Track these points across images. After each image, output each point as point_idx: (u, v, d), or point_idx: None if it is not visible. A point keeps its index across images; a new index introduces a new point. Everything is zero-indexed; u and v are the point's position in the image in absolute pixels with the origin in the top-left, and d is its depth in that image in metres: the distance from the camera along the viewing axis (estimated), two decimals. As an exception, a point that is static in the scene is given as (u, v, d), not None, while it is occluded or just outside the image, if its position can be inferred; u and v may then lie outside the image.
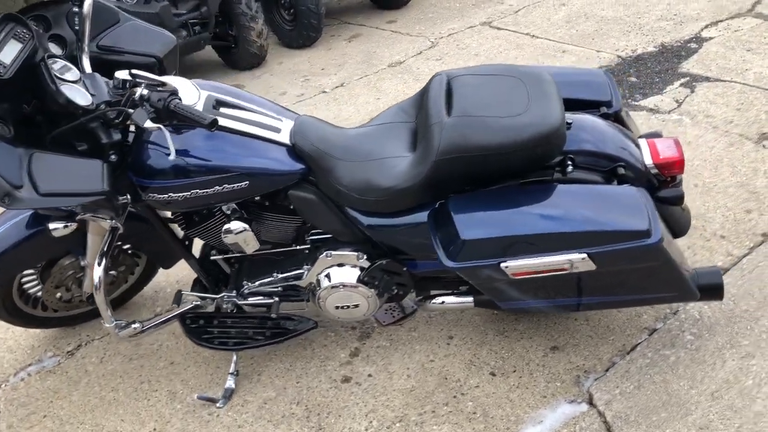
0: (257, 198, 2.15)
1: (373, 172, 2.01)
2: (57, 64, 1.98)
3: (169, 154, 1.93)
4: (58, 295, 2.46)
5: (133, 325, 2.22)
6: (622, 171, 1.97)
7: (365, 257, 2.16)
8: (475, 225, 1.87)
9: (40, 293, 2.46)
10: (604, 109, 2.17)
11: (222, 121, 2.00)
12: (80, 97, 1.93)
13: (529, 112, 1.88)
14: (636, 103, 3.75)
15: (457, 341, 2.41)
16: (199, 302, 2.38)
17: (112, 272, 2.55)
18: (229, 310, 2.36)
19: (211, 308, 2.41)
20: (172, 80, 2.02)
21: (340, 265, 2.19)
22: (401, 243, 2.11)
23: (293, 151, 2.07)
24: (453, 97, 1.98)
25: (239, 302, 2.32)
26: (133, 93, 1.89)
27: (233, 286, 2.33)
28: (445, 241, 1.91)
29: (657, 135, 2.16)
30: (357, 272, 2.17)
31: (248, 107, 2.10)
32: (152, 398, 2.38)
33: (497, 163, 1.88)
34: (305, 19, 5.26)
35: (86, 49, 2.09)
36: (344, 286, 2.18)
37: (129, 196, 2.01)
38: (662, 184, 2.06)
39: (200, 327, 2.31)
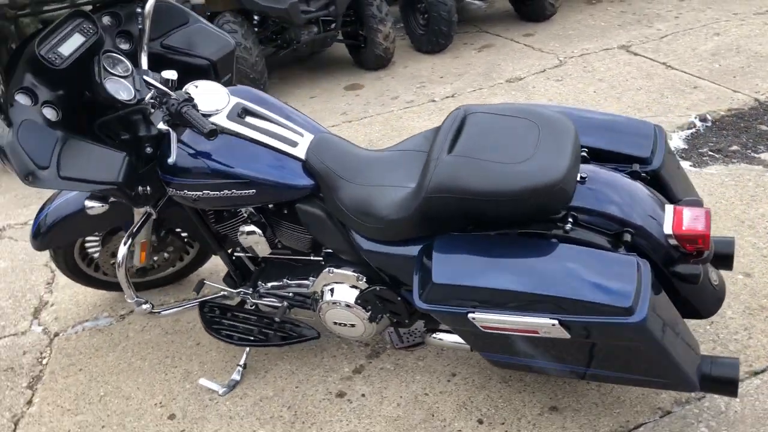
0: (271, 206, 2.23)
1: (374, 198, 2.01)
2: (113, 59, 2.17)
3: (193, 154, 2.08)
4: (112, 261, 2.72)
5: (143, 305, 2.40)
6: (628, 237, 1.81)
7: (364, 279, 2.17)
8: (450, 268, 1.81)
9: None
10: (636, 166, 2.00)
11: (241, 130, 2.10)
12: (124, 91, 2.11)
13: (530, 161, 1.78)
14: (756, 155, 3.37)
15: (458, 380, 2.34)
16: (221, 293, 2.52)
17: (164, 254, 2.77)
18: (248, 307, 2.48)
19: (232, 302, 2.54)
20: (205, 85, 2.15)
21: (340, 282, 2.22)
22: (396, 272, 2.09)
23: (305, 166, 2.12)
24: (461, 134, 1.92)
25: (253, 300, 2.43)
26: (156, 94, 2.04)
27: (252, 284, 2.44)
28: (422, 280, 1.87)
29: (695, 203, 1.95)
30: (355, 293, 2.19)
31: (273, 118, 2.18)
32: (169, 374, 2.56)
33: (491, 209, 1.80)
34: (436, 26, 5.26)
35: (145, 47, 2.27)
36: (341, 304, 2.20)
37: (149, 188, 2.17)
38: (683, 258, 1.86)
39: (215, 316, 2.45)
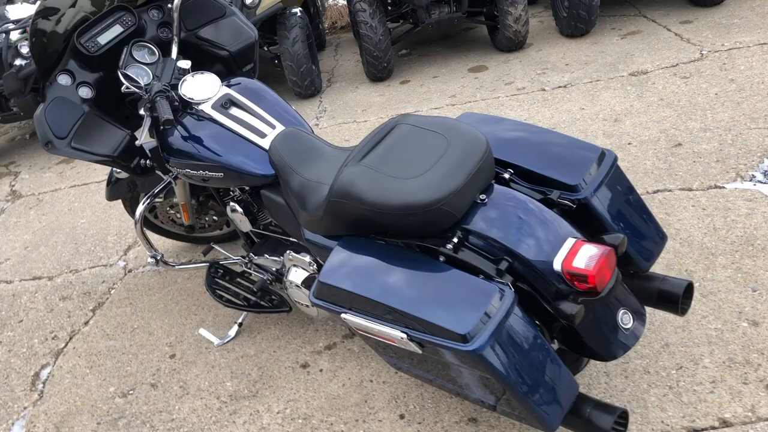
0: (247, 188, 2.48)
1: (309, 192, 2.16)
2: (144, 49, 2.55)
3: (183, 137, 2.40)
4: (169, 213, 3.18)
5: (148, 259, 2.80)
6: (504, 265, 1.77)
7: (315, 267, 2.34)
8: (337, 269, 1.92)
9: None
10: (557, 194, 1.91)
11: (220, 119, 2.37)
12: (143, 77, 2.48)
13: (420, 177, 1.82)
14: None
15: (403, 374, 2.43)
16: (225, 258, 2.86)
17: (210, 217, 3.17)
18: (250, 273, 2.78)
19: (236, 269, 2.86)
20: (200, 76, 2.44)
21: (297, 265, 2.41)
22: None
23: (269, 156, 2.32)
24: (380, 144, 1.99)
25: (246, 269, 2.72)
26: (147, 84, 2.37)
27: (249, 254, 2.73)
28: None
29: (611, 241, 1.82)
30: (304, 276, 2.37)
31: (253, 110, 2.40)
32: (187, 320, 2.98)
33: (380, 220, 1.87)
34: (575, 10, 5.02)
35: (175, 38, 2.62)
36: (293, 284, 2.41)
37: (149, 161, 2.53)
38: (575, 295, 1.77)
39: (216, 277, 2.79)
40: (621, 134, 3.63)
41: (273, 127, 2.38)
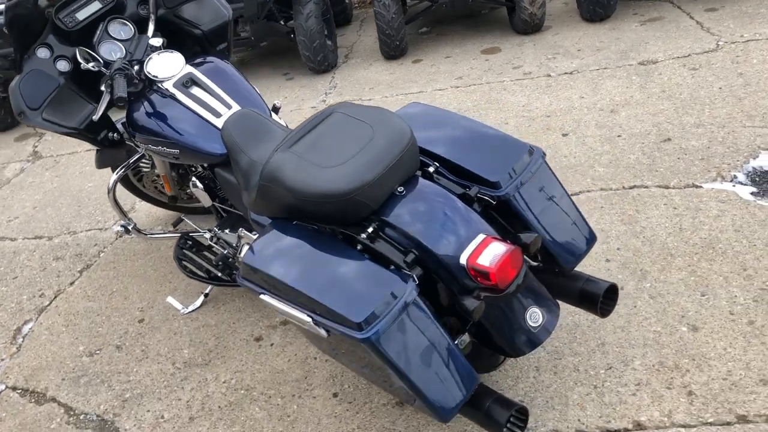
0: (205, 165, 2.56)
1: (252, 173, 2.23)
2: (121, 25, 2.64)
3: (145, 113, 2.49)
4: (153, 182, 3.31)
5: (117, 228, 2.92)
6: (410, 257, 1.81)
7: None
8: (259, 250, 1.98)
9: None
10: (476, 189, 1.93)
11: (179, 97, 2.45)
12: (117, 52, 2.57)
13: (339, 167, 1.86)
14: None
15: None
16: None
17: (188, 189, 3.27)
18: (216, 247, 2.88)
19: (206, 242, 2.96)
20: (166, 54, 2.52)
21: (247, 243, 2.49)
22: None
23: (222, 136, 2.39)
24: (312, 131, 2.03)
25: (212, 243, 2.82)
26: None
27: (214, 228, 2.82)
28: (250, 256, 2.07)
29: (524, 242, 1.83)
30: (252, 254, 2.45)
31: (213, 90, 2.47)
32: (162, 287, 3.11)
33: (301, 206, 1.93)
34: (593, -7, 4.89)
35: (152, 15, 2.69)
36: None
37: (117, 135, 2.63)
38: (480, 290, 1.80)
39: (184, 248, 2.90)
40: (613, 126, 3.57)
41: (229, 107, 2.44)
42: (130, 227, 2.92)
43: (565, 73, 4.36)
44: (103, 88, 2.46)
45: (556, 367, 2.24)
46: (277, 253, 1.94)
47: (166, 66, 2.50)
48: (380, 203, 1.88)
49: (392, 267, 1.82)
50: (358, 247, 1.89)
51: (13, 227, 3.97)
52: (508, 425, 1.80)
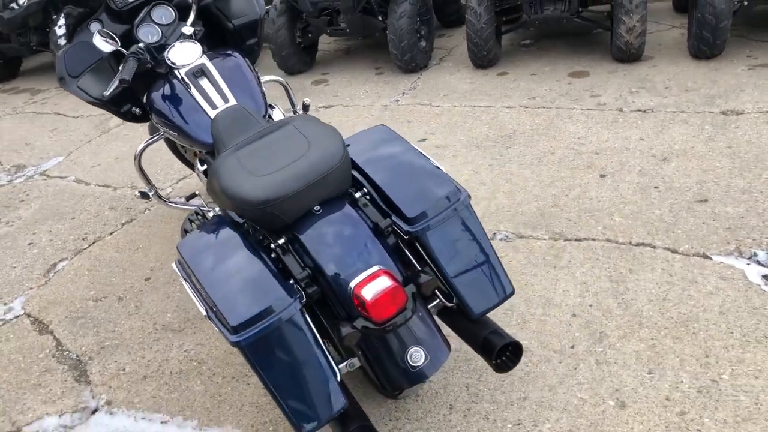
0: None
1: (219, 168, 2.38)
2: (164, 10, 2.89)
3: (160, 95, 2.72)
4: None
5: (136, 193, 3.19)
6: (304, 275, 1.89)
7: None
8: (190, 240, 2.10)
9: None
10: (387, 221, 1.96)
11: (188, 84, 2.65)
12: (153, 35, 2.84)
13: (264, 177, 1.97)
14: None
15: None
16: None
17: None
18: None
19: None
20: (187, 44, 2.72)
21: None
22: None
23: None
24: (263, 138, 2.15)
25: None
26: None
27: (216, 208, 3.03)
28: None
29: (417, 281, 1.85)
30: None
31: (217, 83, 2.65)
32: (166, 250, 3.38)
33: (232, 206, 2.05)
34: (700, 29, 4.56)
35: (193, 5, 2.92)
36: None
37: (140, 110, 2.89)
38: (362, 320, 1.85)
39: (193, 222, 3.13)
40: (655, 175, 3.37)
41: (227, 101, 2.61)
42: (151, 193, 3.20)
43: (639, 110, 4.14)
44: (120, 67, 2.72)
45: (469, 410, 2.23)
46: (203, 246, 2.09)
47: (185, 54, 2.71)
48: (295, 218, 1.97)
49: (292, 281, 1.92)
50: (272, 255, 1.99)
51: (92, 173, 4.45)
52: None
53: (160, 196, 3.22)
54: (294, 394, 1.82)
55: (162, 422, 2.39)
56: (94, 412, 2.49)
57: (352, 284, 1.83)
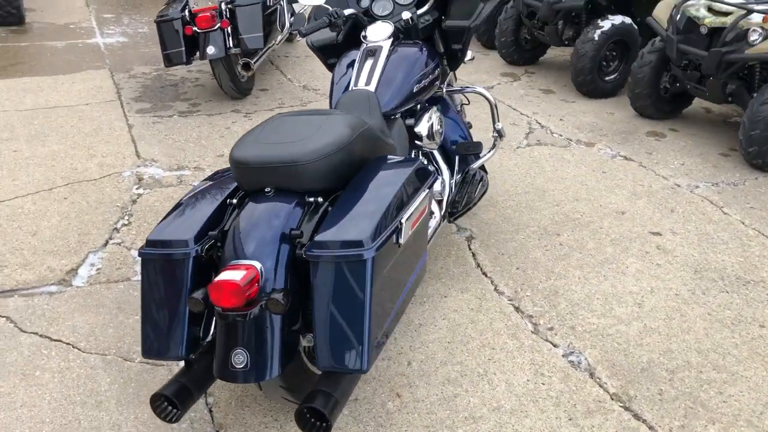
0: None
1: None
2: None
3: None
4: None
5: None
6: (210, 241, 2.13)
7: None
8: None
9: None
10: (299, 235, 2.08)
11: (358, 57, 2.96)
12: (385, 9, 3.11)
13: (253, 144, 2.23)
14: None
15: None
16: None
17: None
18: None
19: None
20: (380, 24, 3.01)
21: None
22: None
23: None
24: (267, 124, 2.39)
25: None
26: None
27: None
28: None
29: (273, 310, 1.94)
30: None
31: (374, 67, 2.86)
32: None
33: None
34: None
35: None
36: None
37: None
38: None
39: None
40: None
41: (368, 84, 2.80)
42: None
43: (674, 181, 3.85)
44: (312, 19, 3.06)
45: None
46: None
47: (376, 32, 2.97)
48: (250, 188, 2.23)
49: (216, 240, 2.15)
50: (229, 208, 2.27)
51: (217, 163, 5.06)
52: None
53: None
54: (151, 322, 2.06)
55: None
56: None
57: (228, 263, 2.01)
